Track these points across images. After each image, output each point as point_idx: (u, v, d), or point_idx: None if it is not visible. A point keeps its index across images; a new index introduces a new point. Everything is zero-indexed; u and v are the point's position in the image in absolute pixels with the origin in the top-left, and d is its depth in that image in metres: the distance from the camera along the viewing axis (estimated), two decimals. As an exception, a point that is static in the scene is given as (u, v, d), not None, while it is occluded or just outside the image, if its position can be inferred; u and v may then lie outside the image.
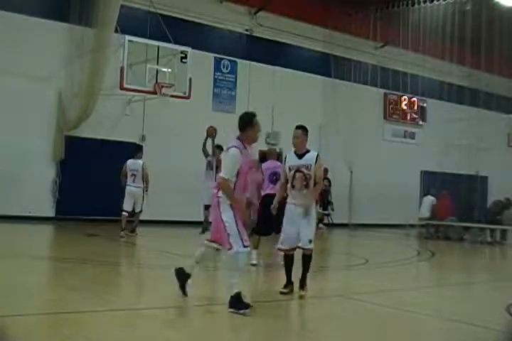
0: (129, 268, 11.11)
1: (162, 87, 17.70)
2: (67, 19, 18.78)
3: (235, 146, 6.93)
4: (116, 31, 17.79)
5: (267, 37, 23.37)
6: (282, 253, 8.26)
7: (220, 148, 15.58)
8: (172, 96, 18.10)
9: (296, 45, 24.37)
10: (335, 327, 6.32)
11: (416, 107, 28.56)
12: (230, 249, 6.74)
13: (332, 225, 24.26)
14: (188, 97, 18.59)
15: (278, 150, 23.60)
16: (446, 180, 24.38)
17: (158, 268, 10.33)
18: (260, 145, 23.27)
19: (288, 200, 8.02)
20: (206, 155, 16.73)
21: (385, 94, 27.42)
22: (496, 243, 19.78)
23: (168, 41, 18.11)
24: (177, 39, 18.43)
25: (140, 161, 15.34)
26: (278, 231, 8.90)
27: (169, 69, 17.96)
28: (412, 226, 21.98)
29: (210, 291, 8.41)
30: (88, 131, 18.89)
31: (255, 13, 23.12)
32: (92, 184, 18.63)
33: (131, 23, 18.86)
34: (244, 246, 6.73)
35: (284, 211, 8.01)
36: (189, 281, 7.16)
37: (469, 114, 25.49)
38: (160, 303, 7.06)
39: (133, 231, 15.51)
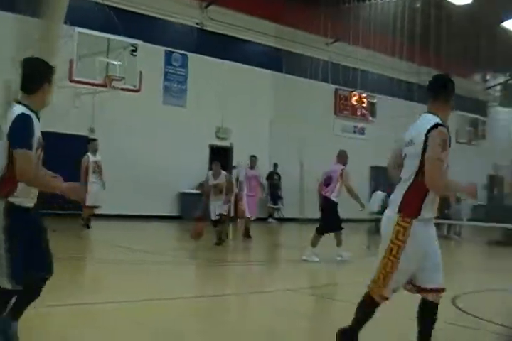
0: (84, 263, 10.99)
1: (112, 79, 17.58)
2: (15, 9, 18.39)
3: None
4: (65, 23, 17.49)
5: (218, 31, 23.28)
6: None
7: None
8: (122, 89, 18.02)
9: (247, 39, 24.33)
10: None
11: (366, 103, 28.86)
12: None
13: (282, 220, 24.43)
14: (138, 90, 18.51)
15: (229, 144, 23.89)
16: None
17: (112, 263, 10.27)
18: (210, 140, 23.38)
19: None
20: None
21: (336, 90, 27.62)
22: (451, 237, 20.26)
23: (119, 34, 17.91)
24: (127, 32, 18.22)
25: None
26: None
27: (119, 62, 17.84)
28: (361, 221, 22.17)
29: (170, 286, 8.36)
30: (36, 123, 18.54)
31: (206, 6, 23.00)
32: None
33: (81, 15, 18.50)
34: None
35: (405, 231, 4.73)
36: None
37: (417, 110, 25.79)
38: (120, 298, 7.01)
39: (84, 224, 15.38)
